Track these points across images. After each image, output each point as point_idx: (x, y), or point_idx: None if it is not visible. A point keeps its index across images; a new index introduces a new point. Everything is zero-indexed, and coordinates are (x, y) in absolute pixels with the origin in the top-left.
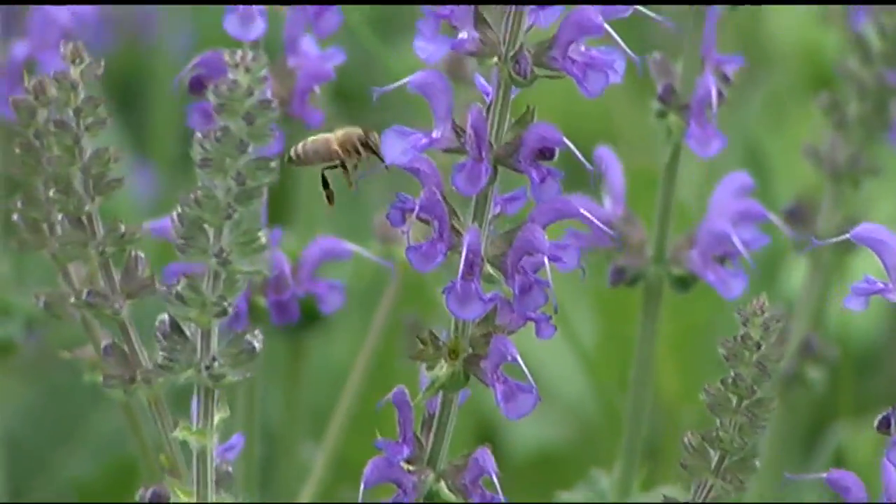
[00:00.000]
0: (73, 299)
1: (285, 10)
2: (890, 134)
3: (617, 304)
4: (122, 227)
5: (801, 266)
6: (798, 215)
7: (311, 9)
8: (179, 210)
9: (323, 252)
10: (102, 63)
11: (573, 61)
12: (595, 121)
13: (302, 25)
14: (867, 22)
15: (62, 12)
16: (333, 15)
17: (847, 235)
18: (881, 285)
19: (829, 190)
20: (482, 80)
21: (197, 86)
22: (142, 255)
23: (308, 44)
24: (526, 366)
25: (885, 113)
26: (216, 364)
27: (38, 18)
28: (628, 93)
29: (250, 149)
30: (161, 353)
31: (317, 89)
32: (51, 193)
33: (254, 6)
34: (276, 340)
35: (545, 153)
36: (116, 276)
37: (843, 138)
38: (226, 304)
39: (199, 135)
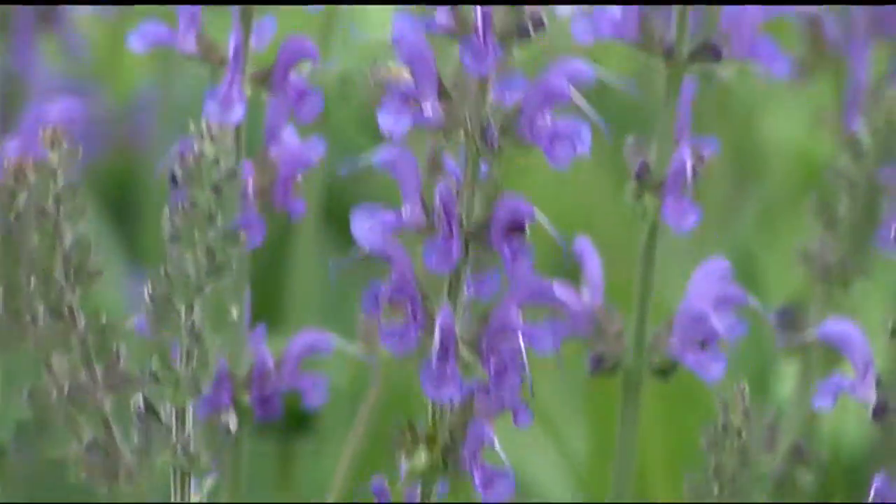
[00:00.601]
0: (54, 394)
1: (266, 97)
2: (880, 234)
3: (608, 410)
4: (104, 320)
5: (793, 372)
6: (788, 318)
7: (292, 94)
8: (149, 288)
9: (306, 346)
10: (81, 149)
11: (540, 132)
12: (580, 215)
13: (284, 113)
14: (860, 123)
15: (52, 110)
16: (315, 100)
17: (815, 334)
18: (848, 383)
19: (819, 292)
20: (451, 161)
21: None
22: (123, 348)
23: (290, 134)
24: (507, 459)
25: (876, 212)
26: (191, 445)
27: (27, 117)
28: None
29: (219, 221)
30: (138, 440)
31: (299, 179)
32: (32, 284)
33: (234, 92)
34: (266, 446)
35: (517, 229)
36: (99, 370)
37: (833, 239)
38: (200, 383)
39: (167, 210)
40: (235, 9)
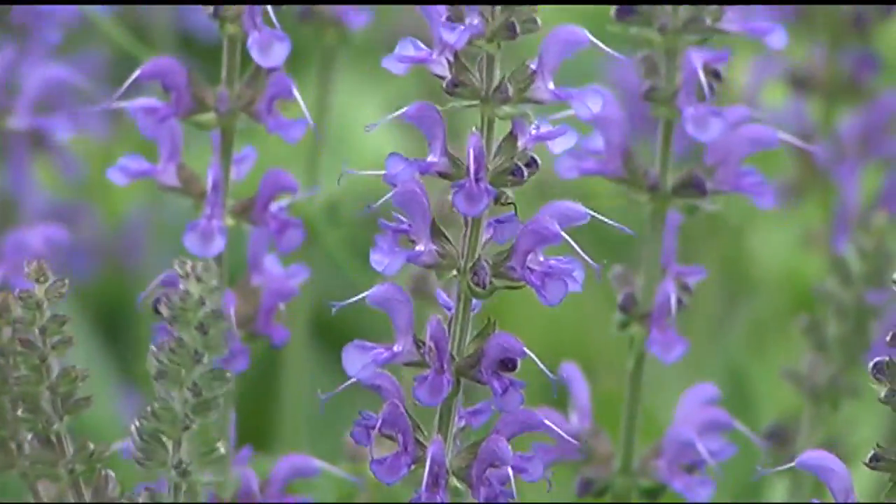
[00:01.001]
0: None
1: (249, 228)
2: (870, 355)
3: None
4: (91, 447)
5: (782, 488)
6: (778, 436)
7: (273, 226)
8: (137, 423)
9: (292, 469)
10: (66, 281)
11: (532, 271)
12: (575, 333)
13: (265, 243)
14: (848, 245)
15: (34, 237)
16: (296, 231)
17: (793, 464)
18: None
19: (809, 411)
20: (444, 295)
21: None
22: (111, 473)
23: (272, 262)
24: None
25: (865, 334)
26: None
27: (10, 244)
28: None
29: (205, 359)
30: None
31: (282, 307)
32: (19, 412)
33: (214, 225)
34: None
35: (507, 364)
36: (87, 494)
37: (823, 360)
38: None
39: (153, 348)
40: (216, 139)
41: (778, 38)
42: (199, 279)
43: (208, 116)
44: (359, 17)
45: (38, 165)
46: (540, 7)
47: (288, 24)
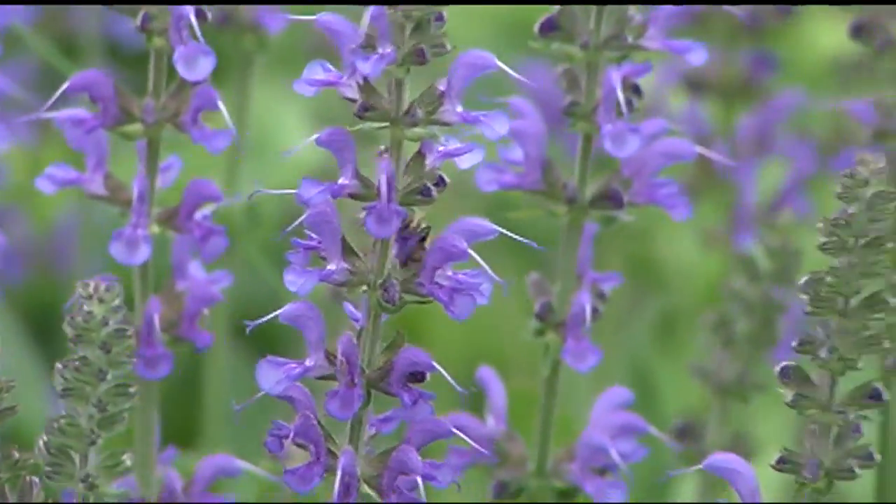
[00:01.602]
0: None
1: (173, 235)
2: (776, 351)
3: None
4: (17, 455)
5: (692, 484)
6: (687, 432)
7: (197, 233)
8: (45, 438)
9: (215, 468)
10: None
11: (440, 286)
12: (491, 334)
13: (189, 250)
14: (755, 243)
15: None
16: (219, 239)
17: (702, 466)
18: None
19: (717, 406)
20: (352, 308)
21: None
22: (35, 479)
23: (196, 267)
24: None
25: (772, 330)
26: None
27: None
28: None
29: (109, 376)
30: None
31: (206, 311)
32: None
33: (139, 234)
34: None
35: (416, 376)
36: (12, 499)
37: (731, 355)
38: None
39: (59, 365)
40: (142, 149)
41: (697, 56)
42: (101, 300)
43: (135, 127)
44: (276, 21)
45: None
46: (463, 21)
47: (206, 31)
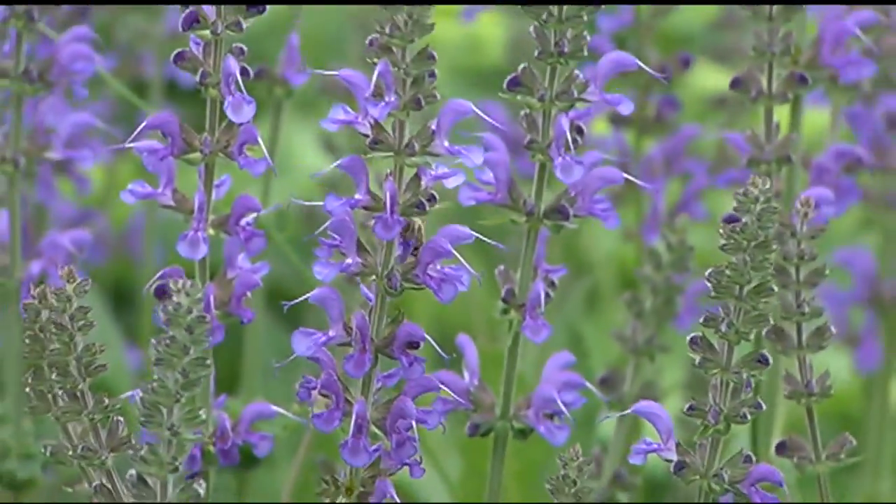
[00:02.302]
0: (70, 452)
1: (224, 236)
2: (676, 321)
3: (477, 449)
4: (106, 400)
5: (611, 422)
6: (609, 382)
7: (243, 235)
8: (141, 395)
9: (256, 412)
10: (90, 281)
11: (431, 277)
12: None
13: (237, 247)
14: (659, 239)
15: (65, 238)
16: (260, 239)
17: (630, 410)
18: (656, 445)
19: (632, 363)
20: (367, 291)
21: (160, 292)
22: (121, 419)
23: (242, 259)
24: (412, 495)
25: (672, 306)
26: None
27: (47, 243)
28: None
29: (192, 351)
30: (132, 496)
31: (249, 294)
32: (53, 375)
33: (199, 236)
34: (227, 476)
35: (412, 345)
36: (103, 435)
37: (641, 325)
38: (177, 462)
39: (153, 340)
40: (201, 171)
41: (626, 107)
42: (187, 293)
43: (196, 156)
44: (299, 78)
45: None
46: (446, 74)
47: (246, 82)
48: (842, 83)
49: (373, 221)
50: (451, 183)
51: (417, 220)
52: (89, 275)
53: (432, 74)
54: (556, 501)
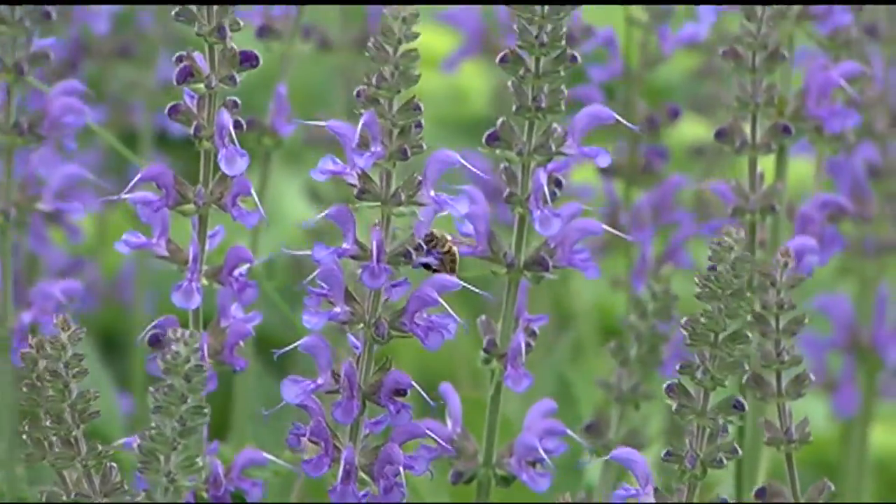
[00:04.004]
0: (64, 498)
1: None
2: (662, 369)
3: (465, 493)
4: (100, 447)
5: (597, 468)
6: (595, 429)
7: (235, 286)
8: (139, 442)
9: (247, 459)
10: (84, 329)
11: (418, 325)
12: (445, 363)
13: (230, 297)
14: (644, 288)
15: (56, 288)
16: (252, 290)
17: (608, 456)
18: (634, 491)
19: (616, 410)
20: (353, 339)
21: (154, 341)
22: (114, 465)
23: (236, 309)
24: None
25: (657, 354)
26: None
27: (38, 293)
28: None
29: (189, 399)
30: None
31: (241, 343)
32: (48, 422)
33: (193, 286)
34: None
35: (400, 392)
36: (97, 481)
37: (627, 373)
38: None
39: (152, 389)
40: (195, 222)
41: (603, 160)
42: (185, 343)
43: (190, 207)
44: (288, 128)
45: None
46: (432, 125)
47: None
48: (827, 133)
49: (360, 270)
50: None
51: (445, 234)
52: (80, 322)
53: (419, 125)
54: None
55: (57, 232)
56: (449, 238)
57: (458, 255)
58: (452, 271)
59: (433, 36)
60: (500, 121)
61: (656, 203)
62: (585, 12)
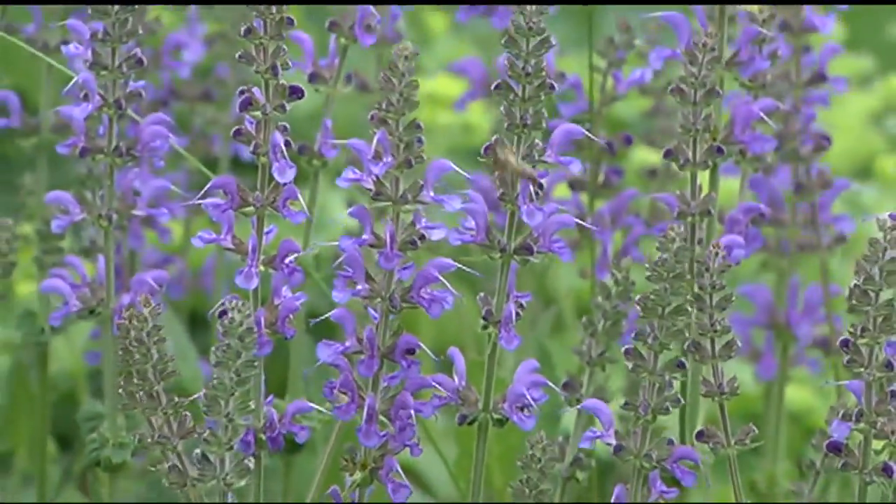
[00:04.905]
0: (149, 439)
1: (272, 272)
2: (622, 339)
3: (468, 436)
4: (176, 399)
5: (571, 416)
6: (570, 386)
7: (286, 271)
8: (205, 391)
9: (296, 408)
10: (163, 305)
11: (423, 298)
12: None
13: (282, 280)
14: (608, 276)
15: (147, 276)
16: (299, 274)
17: (580, 406)
18: (599, 433)
19: (587, 371)
20: (373, 311)
21: (222, 314)
22: (189, 414)
23: (286, 290)
24: (416, 473)
25: (619, 327)
26: (228, 477)
27: (134, 281)
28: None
29: (243, 355)
30: (197, 471)
31: (292, 317)
32: (135, 380)
33: (252, 271)
34: (275, 459)
35: (410, 351)
36: (174, 426)
37: (595, 342)
38: (232, 443)
39: (213, 348)
40: (254, 221)
41: (575, 167)
42: (239, 311)
43: (250, 209)
44: (332, 152)
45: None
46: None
47: (291, 154)
48: (749, 155)
49: (377, 255)
50: (435, 235)
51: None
52: (170, 305)
53: (420, 140)
54: (526, 476)
55: (151, 234)
56: None
57: None
58: None
59: (447, 82)
60: (494, 137)
61: (614, 210)
62: (557, 61)
